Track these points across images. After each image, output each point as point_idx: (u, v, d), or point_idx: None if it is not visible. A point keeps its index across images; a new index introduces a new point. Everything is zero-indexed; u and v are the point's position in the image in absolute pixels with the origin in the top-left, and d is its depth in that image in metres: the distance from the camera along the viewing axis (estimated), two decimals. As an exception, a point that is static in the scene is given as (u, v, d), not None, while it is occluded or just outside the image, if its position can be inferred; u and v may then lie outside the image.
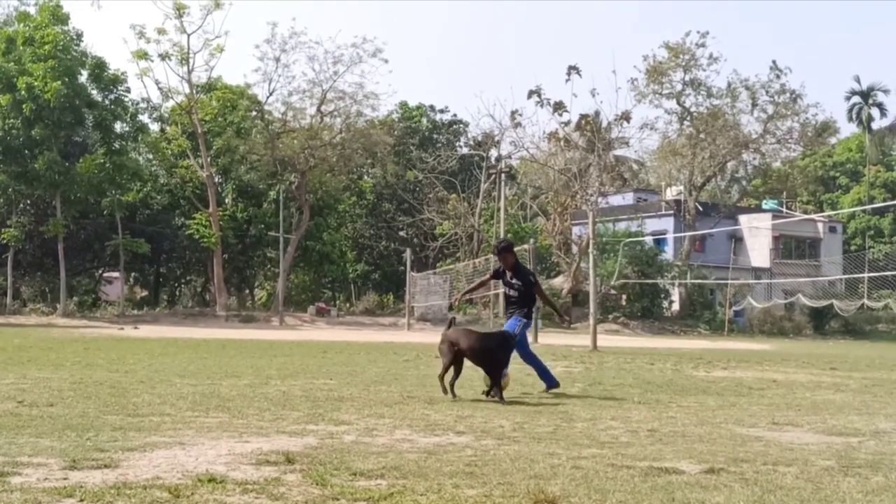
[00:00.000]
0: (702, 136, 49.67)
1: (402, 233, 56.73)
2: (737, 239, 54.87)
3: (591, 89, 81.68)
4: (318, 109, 48.48)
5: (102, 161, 40.62)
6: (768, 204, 58.35)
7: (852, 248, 62.43)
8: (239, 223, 49.46)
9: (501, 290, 10.85)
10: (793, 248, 57.26)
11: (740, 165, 55.83)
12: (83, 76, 41.01)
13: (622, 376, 12.97)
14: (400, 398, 9.04)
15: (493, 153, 54.30)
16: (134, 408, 7.62)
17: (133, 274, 54.88)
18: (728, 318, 47.20)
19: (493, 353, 9.11)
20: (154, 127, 49.91)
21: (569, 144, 49.03)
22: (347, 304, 55.48)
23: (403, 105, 58.91)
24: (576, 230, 51.83)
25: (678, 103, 50.67)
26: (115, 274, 50.48)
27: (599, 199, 48.18)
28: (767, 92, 49.79)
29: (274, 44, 46.34)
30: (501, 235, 47.36)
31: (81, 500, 4.14)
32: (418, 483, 4.61)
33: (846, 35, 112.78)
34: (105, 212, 44.65)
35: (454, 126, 60.20)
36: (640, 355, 19.25)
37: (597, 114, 49.42)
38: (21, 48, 39.18)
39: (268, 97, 48.33)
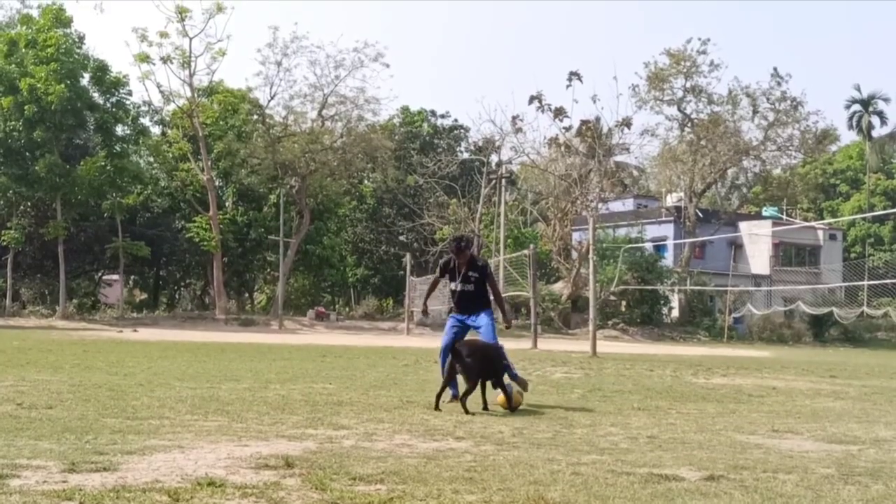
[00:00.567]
0: (702, 142, 49.71)
1: (402, 237, 56.75)
2: (737, 246, 54.88)
3: (592, 95, 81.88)
4: (320, 114, 48.53)
5: (103, 164, 40.64)
6: (768, 211, 58.37)
7: (852, 255, 62.42)
8: (239, 227, 49.48)
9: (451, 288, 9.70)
10: (793, 255, 57.27)
11: (741, 172, 55.87)
12: (85, 79, 41.06)
13: (622, 382, 12.96)
14: (399, 403, 9.03)
15: (494, 158, 54.33)
16: (133, 411, 7.61)
17: (133, 277, 54.87)
18: (728, 325, 47.19)
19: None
20: (155, 130, 50.00)
21: (569, 150, 49.12)
22: (347, 309, 55.47)
23: (404, 110, 58.97)
24: (576, 236, 51.83)
25: (679, 110, 50.75)
26: (115, 277, 50.47)
27: (600, 205, 48.29)
28: (768, 99, 49.88)
29: (276, 48, 46.46)
30: (502, 242, 47.41)
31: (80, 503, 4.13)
32: (418, 488, 4.61)
33: (847, 43, 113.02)
34: (105, 214, 44.67)
35: (455, 131, 60.25)
36: (639, 361, 19.24)
37: (597, 120, 49.56)
38: (23, 51, 39.24)
39: (269, 101, 48.42)
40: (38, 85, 37.67)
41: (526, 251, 29.85)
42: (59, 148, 40.11)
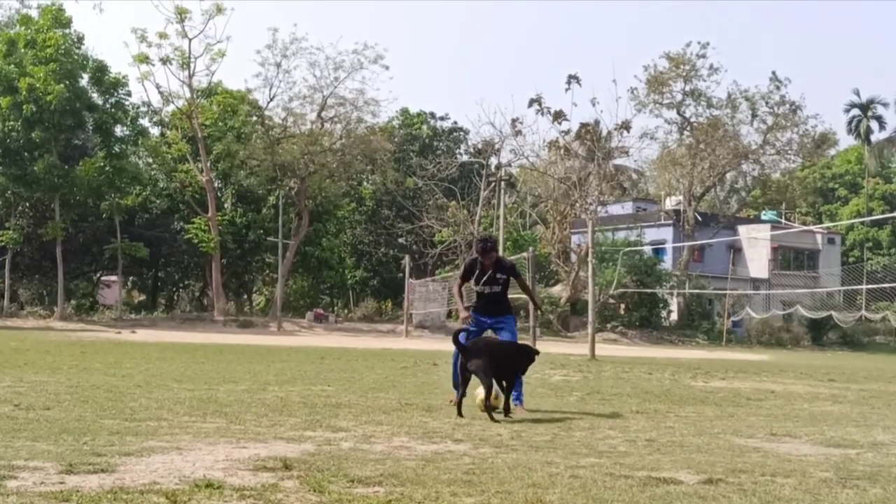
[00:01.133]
0: (701, 146, 49.74)
1: (401, 239, 56.73)
2: (735, 249, 54.90)
3: (591, 98, 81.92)
4: (319, 115, 48.53)
5: (102, 164, 40.63)
6: (767, 215, 58.41)
7: (851, 259, 62.47)
8: (238, 228, 49.46)
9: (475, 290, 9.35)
10: (791, 259, 57.30)
11: (740, 176, 55.94)
12: (84, 79, 41.04)
13: (620, 385, 12.96)
14: (398, 405, 9.02)
15: (493, 161, 54.34)
16: (131, 412, 7.60)
17: (131, 278, 54.84)
18: (726, 329, 47.20)
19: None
20: (154, 131, 49.96)
21: (569, 153, 49.12)
22: (346, 311, 55.45)
23: (404, 112, 58.98)
24: (575, 239, 51.85)
25: (678, 113, 50.80)
26: (114, 278, 50.44)
27: (599, 208, 48.25)
28: (767, 103, 49.96)
29: (275, 49, 46.47)
30: (501, 244, 47.34)
31: (78, 505, 4.13)
32: (416, 491, 4.60)
33: (846, 48, 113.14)
34: (104, 215, 44.65)
35: (454, 133, 60.27)
36: (638, 364, 19.24)
37: (597, 123, 49.58)
38: (22, 51, 39.22)
39: (268, 102, 48.42)
40: (37, 85, 37.65)
41: (525, 254, 29.80)
42: (58, 148, 40.09)
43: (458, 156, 58.81)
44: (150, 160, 49.43)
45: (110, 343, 22.85)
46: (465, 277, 9.29)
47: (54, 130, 39.21)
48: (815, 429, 8.22)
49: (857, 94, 67.09)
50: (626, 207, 56.44)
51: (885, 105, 66.02)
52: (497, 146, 52.25)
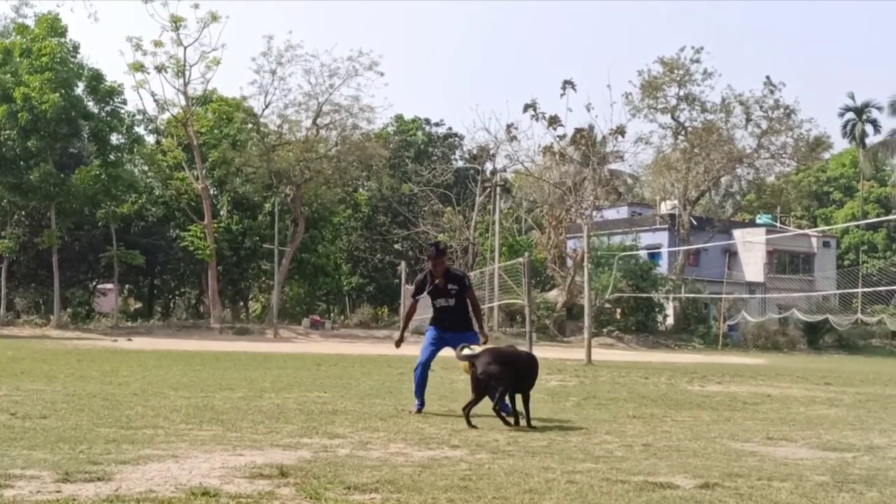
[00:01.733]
0: (696, 150, 49.82)
1: (396, 246, 56.71)
2: (731, 253, 54.97)
3: (586, 104, 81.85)
4: (314, 122, 48.52)
5: (98, 172, 40.57)
6: (762, 219, 58.50)
7: (846, 263, 62.56)
8: (234, 235, 49.40)
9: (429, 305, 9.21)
10: (787, 262, 57.39)
11: (734, 180, 55.98)
12: (80, 88, 41.00)
13: (617, 390, 12.97)
14: (394, 411, 9.03)
15: (489, 166, 54.39)
16: (127, 420, 7.59)
17: (127, 286, 54.73)
18: (722, 333, 47.23)
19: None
20: (150, 139, 49.88)
21: (564, 158, 49.18)
22: (342, 317, 55.35)
23: (399, 118, 59.00)
24: (570, 244, 51.87)
25: (673, 118, 50.86)
26: (110, 286, 50.31)
27: (594, 213, 48.30)
28: (761, 107, 50.01)
29: (270, 57, 46.41)
30: (496, 250, 47.39)
31: (74, 514, 4.12)
32: (413, 497, 4.61)
33: (841, 52, 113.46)
34: (100, 223, 44.56)
35: (449, 139, 60.30)
36: (634, 369, 19.25)
37: (591, 128, 49.64)
38: (18, 59, 39.18)
39: (263, 110, 48.38)
40: (33, 94, 37.63)
41: (521, 259, 29.80)
42: (54, 157, 40.04)
43: (454, 161, 58.83)
44: (146, 168, 49.37)
45: (106, 351, 22.80)
46: (416, 292, 9.11)
47: (50, 139, 39.17)
48: (811, 432, 8.23)
49: (852, 97, 67.36)
50: (622, 212, 56.48)
51: (879, 108, 66.27)
52: (492, 152, 52.32)
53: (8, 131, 38.74)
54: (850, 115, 67.26)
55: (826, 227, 60.73)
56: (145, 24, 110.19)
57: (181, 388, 11.08)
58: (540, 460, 5.94)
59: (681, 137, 51.36)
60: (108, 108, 41.99)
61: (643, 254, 49.62)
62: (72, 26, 60.02)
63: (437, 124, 60.53)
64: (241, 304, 58.75)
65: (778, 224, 58.38)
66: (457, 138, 59.91)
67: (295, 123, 48.69)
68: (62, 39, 40.52)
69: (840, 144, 68.06)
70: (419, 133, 59.19)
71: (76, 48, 41.62)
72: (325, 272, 52.15)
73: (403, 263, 44.52)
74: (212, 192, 48.64)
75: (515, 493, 4.77)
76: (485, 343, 8.75)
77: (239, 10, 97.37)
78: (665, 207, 55.45)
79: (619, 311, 48.49)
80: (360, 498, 4.57)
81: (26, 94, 37.58)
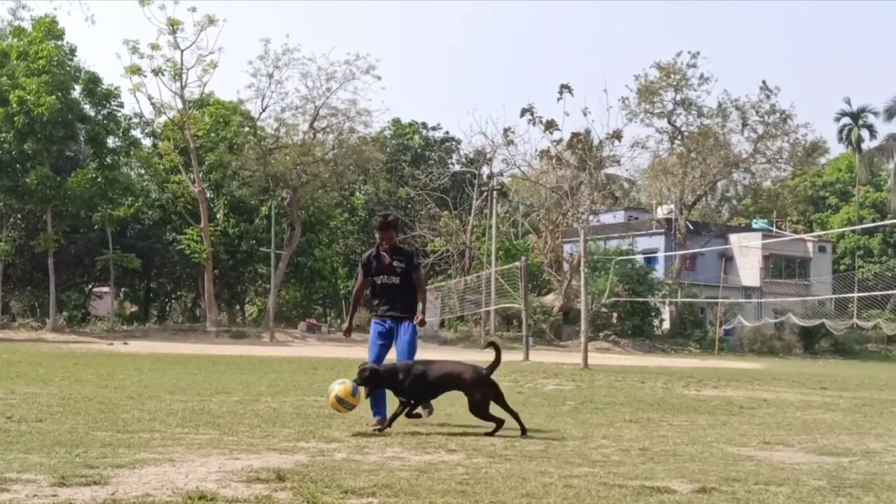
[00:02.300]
0: (692, 155, 49.92)
1: (393, 249, 56.64)
2: (727, 258, 55.04)
3: (582, 108, 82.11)
4: (311, 126, 48.54)
5: (94, 176, 40.53)
6: (758, 223, 58.58)
7: (842, 267, 62.68)
8: (230, 239, 49.38)
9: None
10: (783, 267, 57.47)
11: (731, 185, 56.10)
12: (76, 91, 40.99)
13: (613, 394, 12.97)
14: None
15: (485, 170, 54.45)
16: (123, 424, 7.58)
17: (123, 289, 54.68)
18: (718, 337, 47.28)
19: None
20: (146, 142, 49.88)
21: (560, 162, 49.26)
22: (338, 321, 55.33)
23: (396, 122, 59.06)
24: (567, 248, 51.92)
25: (669, 122, 50.99)
26: (105, 289, 50.27)
27: (591, 217, 48.37)
28: (757, 112, 50.17)
29: (267, 60, 46.48)
30: (493, 254, 47.35)
31: (71, 517, 4.11)
32: (410, 501, 4.60)
33: (837, 56, 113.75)
34: (96, 226, 44.54)
35: (446, 143, 60.36)
36: (631, 373, 19.25)
37: (588, 132, 49.74)
38: (15, 62, 39.16)
39: (260, 113, 48.43)
40: (29, 97, 37.60)
41: (517, 263, 29.86)
42: (50, 160, 40.01)
43: (451, 165, 58.92)
44: (143, 171, 49.37)
45: (102, 354, 22.76)
46: (363, 274, 8.48)
47: (46, 142, 39.13)
48: (807, 437, 8.24)
49: (848, 102, 67.44)
50: (618, 216, 56.56)
51: (875, 114, 66.32)
52: (489, 156, 52.39)
53: (4, 134, 38.70)
54: (846, 119, 67.35)
55: (822, 232, 60.87)
56: (142, 28, 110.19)
57: (177, 392, 11.05)
58: (537, 465, 5.93)
59: (677, 142, 51.48)
60: (104, 112, 41.98)
61: (640, 258, 49.67)
62: (68, 29, 59.96)
63: (433, 128, 60.64)
64: (238, 307, 58.70)
65: (774, 229, 58.48)
66: (454, 142, 60.01)
67: (292, 127, 48.72)
68: (59, 42, 40.51)
69: (836, 149, 68.26)
70: (416, 137, 59.25)
71: (73, 51, 41.63)
72: (322, 276, 52.14)
73: (400, 267, 44.44)
74: (208, 195, 48.63)
75: (512, 497, 4.76)
76: (419, 324, 8.13)
77: (236, 14, 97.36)
78: (661, 212, 55.55)
79: (615, 315, 48.52)
80: (357, 502, 4.56)
81: (23, 96, 37.56)
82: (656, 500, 4.81)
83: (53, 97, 37.58)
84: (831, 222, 67.06)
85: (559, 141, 49.16)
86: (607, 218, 54.50)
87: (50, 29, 40.13)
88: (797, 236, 54.68)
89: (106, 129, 41.52)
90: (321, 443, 6.80)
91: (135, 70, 43.73)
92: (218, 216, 50.14)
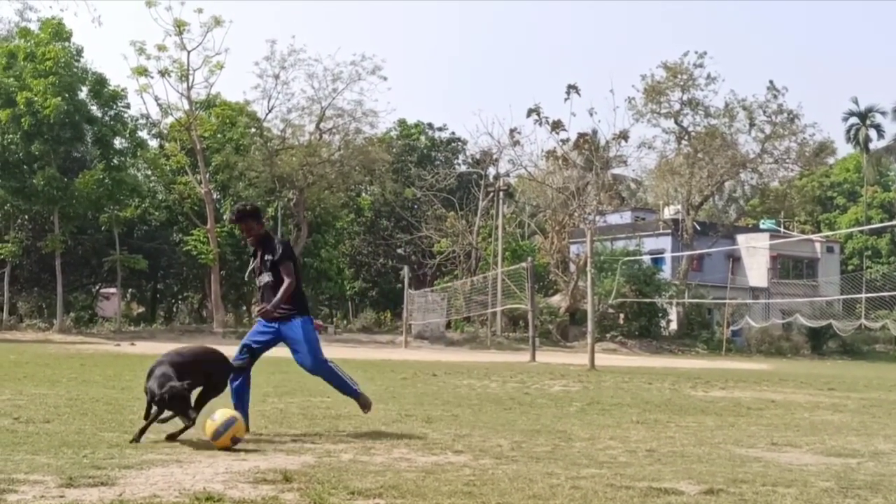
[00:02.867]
0: (699, 155, 49.81)
1: (399, 250, 56.74)
2: (734, 258, 54.89)
3: (589, 108, 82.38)
4: (317, 126, 48.56)
5: (101, 177, 40.59)
6: (766, 224, 58.42)
7: (850, 268, 62.49)
8: (237, 240, 49.35)
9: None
10: (790, 267, 57.30)
11: (738, 185, 56.01)
12: (83, 92, 41.06)
13: (620, 395, 12.94)
14: (398, 416, 9.02)
15: (492, 171, 54.42)
16: (131, 425, 7.58)
17: (130, 290, 54.81)
18: (726, 338, 47.15)
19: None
20: (153, 143, 49.93)
21: (567, 163, 49.17)
22: (345, 322, 55.41)
23: (402, 123, 59.06)
24: (573, 248, 51.87)
25: (676, 122, 50.85)
26: (112, 290, 50.38)
27: (597, 218, 48.31)
28: (765, 112, 50.00)
29: (273, 61, 46.47)
30: (499, 255, 47.34)
31: (78, 518, 4.12)
32: (416, 502, 4.60)
33: (845, 56, 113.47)
34: (103, 227, 44.60)
35: (453, 144, 60.34)
36: (638, 374, 19.22)
37: (595, 132, 49.69)
38: (22, 64, 39.25)
39: (267, 114, 48.42)
40: (36, 98, 37.68)
41: (524, 264, 29.84)
42: (57, 161, 40.08)
43: (457, 166, 58.91)
44: (149, 172, 49.44)
45: (109, 355, 22.80)
46: (250, 275, 7.56)
47: (53, 143, 39.20)
48: (815, 438, 8.21)
49: (856, 102, 67.24)
50: (625, 217, 56.48)
51: (883, 113, 66.16)
52: (495, 156, 52.38)
53: (11, 135, 38.78)
54: (854, 119, 67.17)
55: (830, 233, 60.68)
56: (149, 29, 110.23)
57: (184, 393, 11.04)
58: (544, 466, 5.93)
59: (684, 142, 51.35)
60: (111, 113, 42.04)
61: (646, 259, 49.58)
62: (75, 30, 60.18)
63: (440, 129, 60.60)
64: (244, 308, 58.76)
65: (782, 229, 58.31)
66: (460, 143, 59.98)
67: (298, 128, 48.75)
68: (66, 44, 40.60)
69: (844, 149, 68.06)
70: (422, 137, 59.25)
71: (80, 52, 41.69)
72: (328, 277, 52.17)
73: (406, 268, 44.56)
74: (215, 196, 48.68)
75: (519, 498, 4.76)
76: (259, 316, 7.33)
77: (242, 15, 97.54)
78: (668, 212, 55.44)
79: (622, 316, 48.44)
80: (364, 503, 4.56)
81: (30, 98, 37.63)
82: (663, 501, 4.80)
83: (60, 98, 37.64)
84: (839, 223, 66.88)
85: (566, 141, 49.10)
86: (614, 218, 54.43)
87: (57, 30, 40.20)
88: (805, 237, 54.50)
89: (113, 130, 41.58)
90: (328, 444, 6.80)
91: (141, 71, 43.79)
92: (224, 217, 50.20)
